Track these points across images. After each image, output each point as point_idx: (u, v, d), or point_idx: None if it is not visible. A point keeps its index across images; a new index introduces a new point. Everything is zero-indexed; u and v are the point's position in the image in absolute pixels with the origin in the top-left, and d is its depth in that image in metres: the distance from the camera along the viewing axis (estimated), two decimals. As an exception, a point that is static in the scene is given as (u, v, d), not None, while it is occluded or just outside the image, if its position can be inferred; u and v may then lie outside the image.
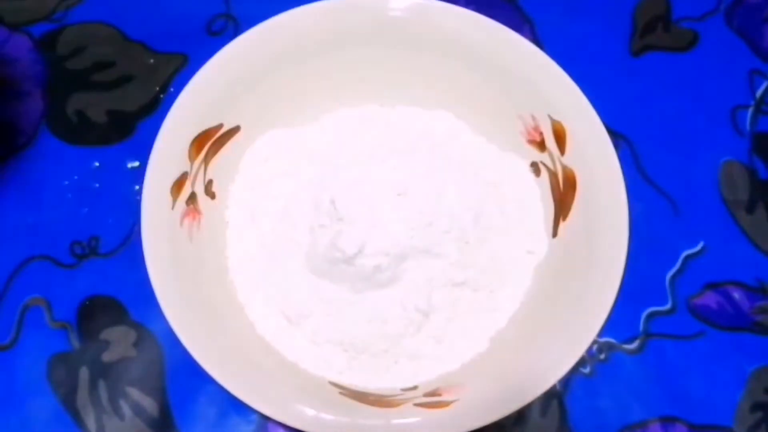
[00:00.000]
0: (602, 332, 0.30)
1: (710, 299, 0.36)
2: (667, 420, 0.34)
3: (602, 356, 0.35)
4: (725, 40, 0.42)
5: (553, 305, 0.32)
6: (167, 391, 0.34)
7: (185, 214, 0.32)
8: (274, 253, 0.34)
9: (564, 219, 0.33)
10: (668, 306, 0.36)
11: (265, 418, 0.33)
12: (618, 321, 0.34)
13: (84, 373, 0.35)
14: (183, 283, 0.30)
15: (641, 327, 0.36)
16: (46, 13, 0.42)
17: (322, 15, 0.34)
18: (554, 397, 0.34)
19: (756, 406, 0.35)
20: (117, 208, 0.37)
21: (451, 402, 0.29)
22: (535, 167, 0.35)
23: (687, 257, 0.37)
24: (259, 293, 0.33)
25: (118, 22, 0.42)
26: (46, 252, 0.37)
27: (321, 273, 0.32)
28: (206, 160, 0.33)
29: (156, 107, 0.40)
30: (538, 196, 0.35)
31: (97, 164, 0.39)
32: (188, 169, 0.32)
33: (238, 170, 0.35)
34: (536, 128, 0.34)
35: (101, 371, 0.35)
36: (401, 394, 0.31)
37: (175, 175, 0.32)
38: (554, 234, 0.34)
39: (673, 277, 0.37)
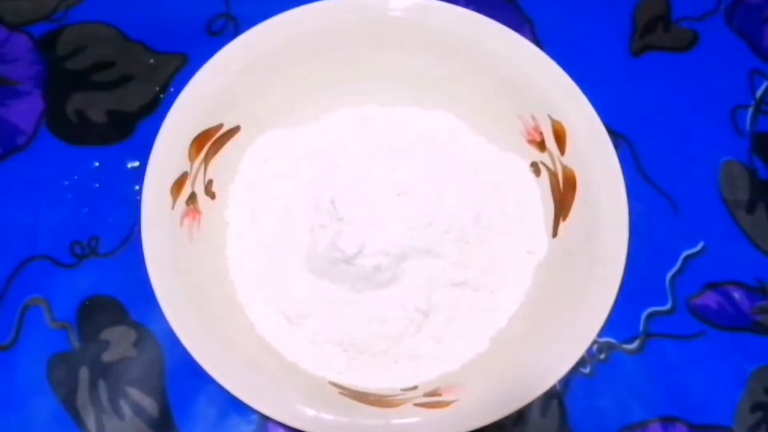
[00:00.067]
0: (602, 332, 0.30)
1: (710, 299, 0.36)
2: (667, 420, 0.34)
3: (602, 356, 0.35)
4: (725, 40, 0.42)
5: (553, 305, 0.32)
6: (167, 391, 0.34)
7: (185, 214, 0.32)
8: (274, 253, 0.34)
9: (564, 219, 0.33)
10: (668, 306, 0.36)
11: (265, 418, 0.33)
12: (618, 321, 0.34)
13: (84, 373, 0.35)
14: (183, 283, 0.30)
15: (641, 327, 0.36)
16: (46, 13, 0.42)
17: (322, 15, 0.34)
18: (554, 397, 0.34)
19: (756, 406, 0.35)
20: (117, 208, 0.37)
21: (451, 402, 0.29)
22: (535, 167, 0.35)
23: (687, 257, 0.37)
24: (259, 293, 0.33)
25: (118, 22, 0.42)
26: (46, 252, 0.37)
27: (321, 273, 0.32)
28: (206, 160, 0.33)
29: (156, 107, 0.40)
30: (538, 196, 0.35)
31: (97, 164, 0.39)
32: (188, 169, 0.32)
33: (238, 170, 0.35)
34: (536, 128, 0.34)
35: (101, 371, 0.35)
36: (401, 394, 0.31)
37: (175, 175, 0.32)
38: (554, 234, 0.34)
39: (673, 277, 0.37)
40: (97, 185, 0.38)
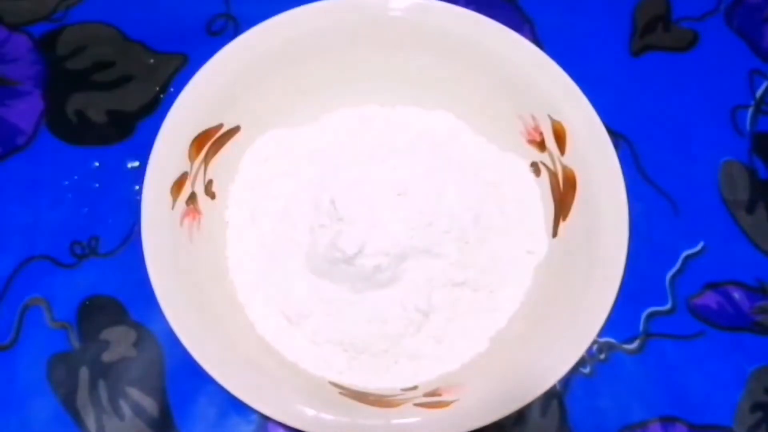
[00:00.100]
0: (602, 332, 0.30)
1: (710, 299, 0.36)
2: (667, 420, 0.34)
3: (602, 356, 0.35)
4: (725, 40, 0.42)
5: (553, 305, 0.32)
6: (167, 391, 0.34)
7: (185, 214, 0.32)
8: (274, 253, 0.34)
9: (564, 219, 0.33)
10: (668, 306, 0.36)
11: (265, 418, 0.33)
12: (618, 321, 0.34)
13: (84, 373, 0.35)
14: (183, 283, 0.30)
15: (641, 327, 0.36)
16: (46, 13, 0.42)
17: (322, 15, 0.34)
18: (554, 397, 0.34)
19: (756, 406, 0.35)
20: (117, 208, 0.37)
21: (451, 402, 0.29)
22: (535, 167, 0.35)
23: (687, 257, 0.37)
24: (259, 293, 0.33)
25: (118, 22, 0.42)
26: (46, 252, 0.37)
27: (321, 273, 0.32)
28: (206, 160, 0.33)
29: (156, 107, 0.40)
30: (538, 196, 0.35)
31: (97, 164, 0.39)
32: (188, 169, 0.32)
33: (238, 170, 0.35)
34: (536, 128, 0.34)
35: (101, 371, 0.35)
36: (401, 394, 0.31)
37: (175, 175, 0.32)
38: (554, 234, 0.34)
39: (673, 277, 0.37)
40: (97, 185, 0.38)
